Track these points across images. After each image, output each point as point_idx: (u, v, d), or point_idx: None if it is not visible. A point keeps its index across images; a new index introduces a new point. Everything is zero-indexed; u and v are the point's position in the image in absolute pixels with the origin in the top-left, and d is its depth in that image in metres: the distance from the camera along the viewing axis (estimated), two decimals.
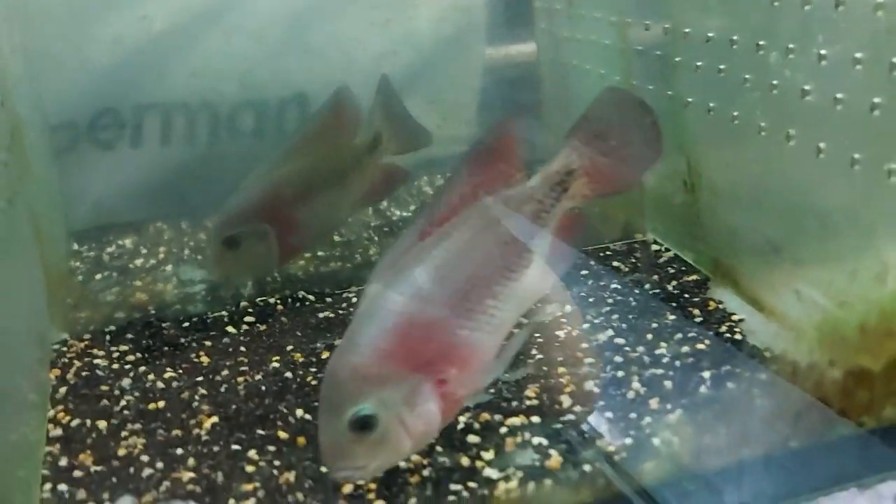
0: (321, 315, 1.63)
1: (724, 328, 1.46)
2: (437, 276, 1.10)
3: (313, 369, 1.45)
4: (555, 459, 1.21)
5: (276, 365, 1.48)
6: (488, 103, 2.06)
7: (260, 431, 1.31)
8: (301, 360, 1.48)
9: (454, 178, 1.22)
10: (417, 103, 1.88)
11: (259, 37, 1.86)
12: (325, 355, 1.49)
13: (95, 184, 1.93)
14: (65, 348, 1.60)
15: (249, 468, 1.24)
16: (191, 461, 1.26)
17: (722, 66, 1.49)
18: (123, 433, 1.33)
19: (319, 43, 1.84)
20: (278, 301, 1.70)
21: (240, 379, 1.45)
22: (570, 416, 1.30)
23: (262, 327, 1.61)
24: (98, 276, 1.81)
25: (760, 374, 1.33)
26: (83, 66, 1.82)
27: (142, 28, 1.84)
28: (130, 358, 1.55)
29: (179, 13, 1.86)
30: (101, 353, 1.57)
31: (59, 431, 1.36)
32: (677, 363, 1.38)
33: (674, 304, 1.55)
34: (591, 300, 1.62)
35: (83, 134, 1.89)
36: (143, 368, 1.51)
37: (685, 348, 1.42)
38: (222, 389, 1.42)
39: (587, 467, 1.19)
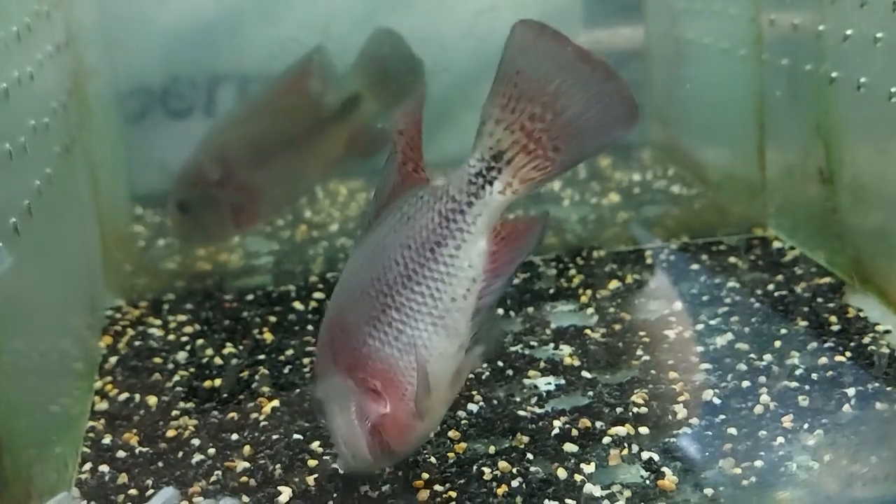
0: None
1: (866, 339, 1.25)
2: (352, 275, 0.99)
3: None
4: (669, 479, 1.02)
5: None
6: None
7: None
8: None
9: (389, 163, 0.99)
10: None
11: None
12: None
13: (166, 150, 1.83)
14: (119, 315, 1.48)
15: (311, 462, 1.08)
16: (246, 449, 1.11)
17: (880, 35, 1.28)
18: (174, 412, 1.20)
19: None
20: None
21: (305, 360, 1.30)
22: (686, 430, 1.11)
23: None
24: (160, 242, 1.69)
25: None
26: (159, 33, 1.73)
27: None
28: (188, 330, 1.41)
29: None
30: (158, 322, 1.45)
31: (104, 405, 1.23)
32: (814, 376, 1.18)
33: (805, 309, 1.34)
34: (704, 299, 1.42)
35: (157, 100, 1.80)
36: (200, 342, 1.37)
37: (822, 360, 1.22)
38: (286, 371, 1.28)
39: (709, 491, 1.00)
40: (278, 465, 1.07)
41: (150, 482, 1.06)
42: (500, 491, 1.02)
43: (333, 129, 1.50)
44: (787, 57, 1.50)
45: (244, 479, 1.05)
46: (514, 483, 1.03)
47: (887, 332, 1.27)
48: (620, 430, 1.11)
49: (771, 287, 1.42)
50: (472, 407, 1.17)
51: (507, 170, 0.93)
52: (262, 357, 1.32)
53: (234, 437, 1.13)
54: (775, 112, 1.58)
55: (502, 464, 1.06)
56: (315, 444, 1.11)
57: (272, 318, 1.43)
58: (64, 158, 1.29)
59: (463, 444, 1.10)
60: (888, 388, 1.14)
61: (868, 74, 1.31)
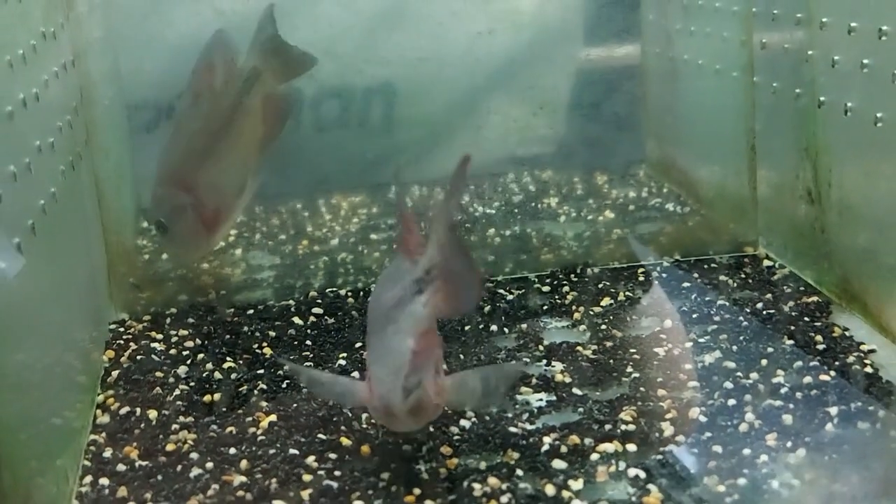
0: None
1: (851, 358, 1.28)
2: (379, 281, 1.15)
3: None
4: (654, 496, 1.05)
5: (343, 363, 1.36)
6: (580, 102, 1.90)
7: (321, 436, 1.18)
8: None
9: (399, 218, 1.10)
10: (508, 92, 1.80)
11: (348, 7, 1.76)
12: None
13: None
14: (122, 329, 1.51)
15: (307, 476, 1.11)
16: (243, 463, 1.14)
17: (866, 61, 1.31)
18: (174, 426, 1.23)
19: (414, 15, 1.72)
20: (349, 293, 1.57)
21: None
22: (672, 447, 1.13)
23: (331, 320, 1.49)
24: (165, 256, 1.72)
25: None
26: (165, 50, 1.77)
27: (224, 11, 1.77)
28: (189, 344, 1.44)
29: None
30: (160, 336, 1.48)
31: (106, 419, 1.26)
32: (798, 395, 1.21)
33: (791, 328, 1.37)
34: (694, 316, 1.45)
35: (163, 114, 1.84)
36: (201, 356, 1.40)
37: (807, 379, 1.24)
38: (283, 385, 1.31)
39: None
40: (274, 480, 1.10)
41: (148, 496, 1.09)
42: None
43: (245, 106, 1.54)
44: (778, 80, 1.54)
45: (240, 493, 1.08)
46: (504, 499, 1.05)
47: (871, 351, 1.29)
48: (608, 447, 1.14)
49: (760, 305, 1.45)
50: (465, 423, 1.20)
51: (429, 288, 1.02)
52: (260, 372, 1.35)
53: (232, 451, 1.16)
54: (766, 133, 1.61)
55: (492, 479, 1.08)
56: (310, 459, 1.14)
57: (272, 333, 1.46)
58: (69, 176, 1.32)
59: (454, 460, 1.13)
60: (870, 408, 1.16)
61: (854, 99, 1.34)
